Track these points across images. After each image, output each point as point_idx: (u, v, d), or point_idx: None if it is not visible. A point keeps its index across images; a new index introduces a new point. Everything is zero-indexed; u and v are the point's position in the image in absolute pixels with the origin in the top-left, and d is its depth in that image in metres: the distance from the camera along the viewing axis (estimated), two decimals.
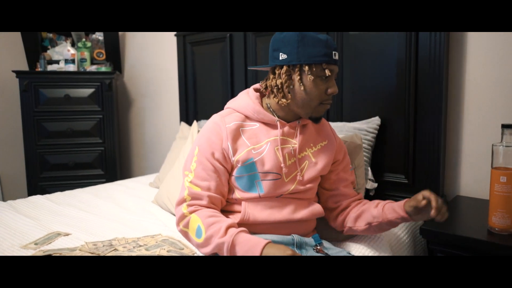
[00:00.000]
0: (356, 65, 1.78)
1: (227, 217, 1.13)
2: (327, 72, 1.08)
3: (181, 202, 1.13)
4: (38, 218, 1.57)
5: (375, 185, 1.65)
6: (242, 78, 2.21)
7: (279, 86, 1.12)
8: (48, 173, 2.73)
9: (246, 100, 1.19)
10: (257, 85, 1.25)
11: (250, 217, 1.14)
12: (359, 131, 1.67)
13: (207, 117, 2.39)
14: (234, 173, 1.15)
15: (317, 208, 1.22)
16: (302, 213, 1.18)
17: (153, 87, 2.99)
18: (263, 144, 1.15)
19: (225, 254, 1.02)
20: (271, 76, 1.15)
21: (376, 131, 1.68)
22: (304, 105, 1.13)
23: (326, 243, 1.22)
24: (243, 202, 1.15)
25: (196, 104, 2.49)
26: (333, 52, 1.08)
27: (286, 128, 1.17)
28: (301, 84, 1.09)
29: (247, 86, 2.19)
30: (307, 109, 1.14)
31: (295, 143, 1.18)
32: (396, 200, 1.66)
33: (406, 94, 1.64)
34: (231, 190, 1.17)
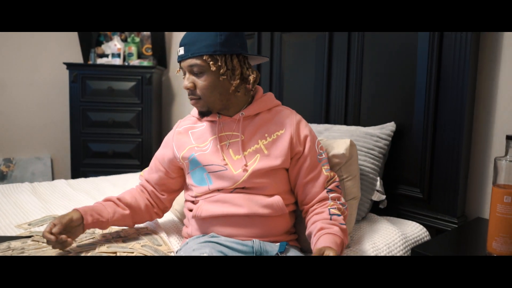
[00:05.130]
0: (376, 68, 1.64)
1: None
2: (178, 71, 1.16)
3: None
4: (48, 201, 1.67)
5: (383, 197, 1.49)
6: (267, 75, 2.15)
7: None
8: (90, 159, 2.91)
9: None
10: None
11: (202, 212, 1.13)
12: (371, 136, 1.53)
13: None
14: (188, 169, 1.19)
15: (276, 201, 1.11)
16: (258, 207, 1.10)
17: None
18: (208, 142, 1.17)
19: None
20: None
21: (390, 138, 1.53)
22: None
23: (294, 252, 1.12)
24: (200, 200, 1.17)
25: None
26: (179, 49, 1.10)
27: (228, 123, 1.17)
28: None
29: (271, 81, 2.13)
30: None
31: (240, 136, 1.15)
32: (410, 216, 1.51)
33: (425, 99, 1.47)
34: (189, 189, 1.22)
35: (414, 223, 1.44)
